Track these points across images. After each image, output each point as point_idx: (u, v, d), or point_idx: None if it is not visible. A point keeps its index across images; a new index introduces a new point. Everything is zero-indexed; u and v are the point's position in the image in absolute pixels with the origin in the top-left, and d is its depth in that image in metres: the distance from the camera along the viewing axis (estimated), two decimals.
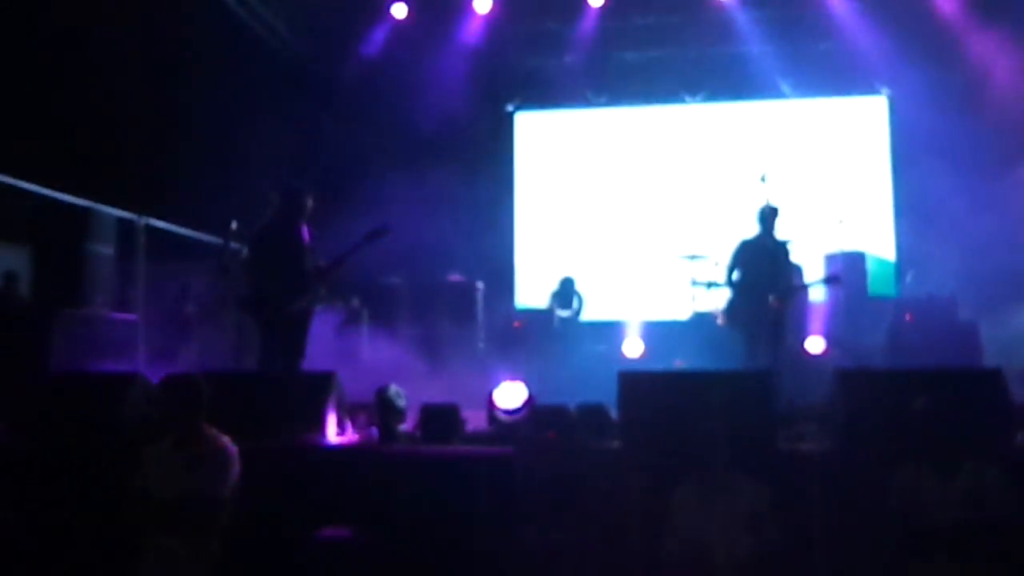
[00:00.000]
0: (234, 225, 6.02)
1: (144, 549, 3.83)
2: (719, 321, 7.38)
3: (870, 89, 10.49)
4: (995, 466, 3.83)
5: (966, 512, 3.74)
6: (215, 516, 3.87)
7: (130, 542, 3.87)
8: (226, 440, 4.02)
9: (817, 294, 8.49)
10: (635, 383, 4.80)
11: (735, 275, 7.20)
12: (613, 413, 4.90)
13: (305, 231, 6.14)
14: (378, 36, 9.96)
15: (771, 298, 6.26)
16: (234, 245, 6.07)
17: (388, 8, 9.88)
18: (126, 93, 7.88)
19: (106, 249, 7.96)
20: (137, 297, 7.81)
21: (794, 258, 7.09)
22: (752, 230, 7.04)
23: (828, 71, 10.13)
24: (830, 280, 7.75)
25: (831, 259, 8.84)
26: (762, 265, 6.89)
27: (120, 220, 8.05)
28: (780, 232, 6.51)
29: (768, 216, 7.16)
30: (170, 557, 3.78)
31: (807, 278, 7.69)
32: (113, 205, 7.95)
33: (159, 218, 8.32)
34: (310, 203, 6.08)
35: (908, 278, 9.66)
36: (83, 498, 4.48)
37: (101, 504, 4.32)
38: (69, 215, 7.64)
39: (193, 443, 3.96)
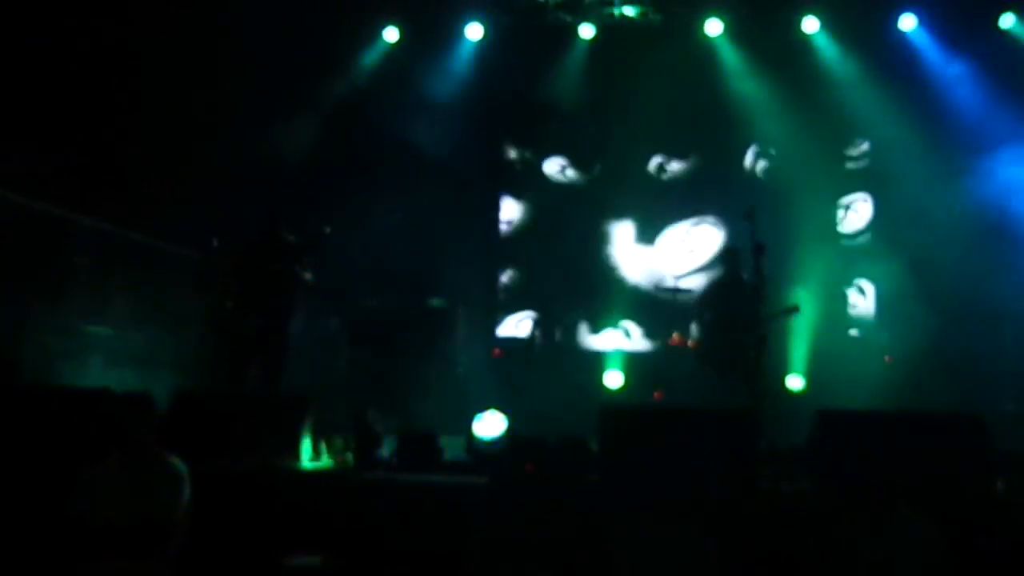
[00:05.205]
0: (215, 242, 5.94)
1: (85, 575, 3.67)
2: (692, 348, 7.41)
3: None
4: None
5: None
6: (167, 540, 3.74)
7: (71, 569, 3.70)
8: (177, 461, 3.89)
9: (800, 331, 8.46)
10: (616, 417, 4.76)
11: (706, 315, 7.24)
12: (592, 445, 4.85)
13: (288, 249, 6.09)
14: (370, 58, 9.92)
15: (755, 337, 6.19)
16: (214, 261, 5.98)
17: (380, 30, 9.86)
18: (111, 98, 7.78)
19: (82, 259, 7.82)
20: (113, 310, 7.65)
21: (766, 294, 6.97)
22: (720, 271, 7.14)
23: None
24: (789, 311, 7.21)
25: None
26: (732, 304, 6.86)
27: (97, 231, 7.92)
28: (752, 269, 6.30)
29: (730, 257, 7.16)
30: None
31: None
32: (91, 215, 7.81)
33: (137, 230, 8.19)
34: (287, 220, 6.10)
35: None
36: (44, 515, 4.33)
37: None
38: (45, 224, 7.49)
39: (142, 465, 3.81)
